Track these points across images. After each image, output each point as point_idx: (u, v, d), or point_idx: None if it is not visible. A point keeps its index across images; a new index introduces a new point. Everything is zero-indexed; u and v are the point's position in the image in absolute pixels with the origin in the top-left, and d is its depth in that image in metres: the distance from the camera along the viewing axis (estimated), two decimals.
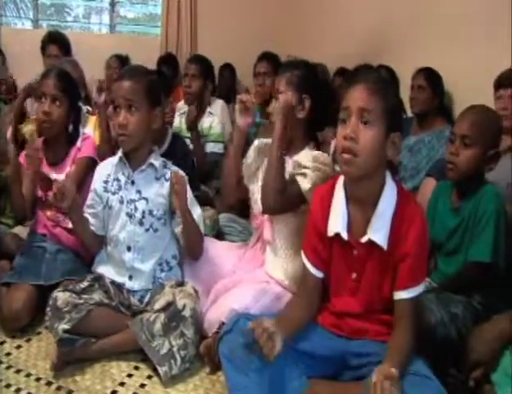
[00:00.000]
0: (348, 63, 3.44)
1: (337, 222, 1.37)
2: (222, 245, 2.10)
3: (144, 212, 1.77)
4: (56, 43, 3.36)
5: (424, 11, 3.11)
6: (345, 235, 1.36)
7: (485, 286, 1.62)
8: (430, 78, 2.83)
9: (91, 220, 1.81)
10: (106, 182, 1.81)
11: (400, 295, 1.35)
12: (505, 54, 2.29)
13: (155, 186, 1.79)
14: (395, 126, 1.31)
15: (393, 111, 1.30)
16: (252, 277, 1.83)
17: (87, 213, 1.82)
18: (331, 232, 1.39)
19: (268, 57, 3.16)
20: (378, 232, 1.33)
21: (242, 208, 2.29)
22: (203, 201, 2.52)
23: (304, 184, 1.64)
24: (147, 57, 3.72)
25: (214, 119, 3.06)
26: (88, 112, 2.19)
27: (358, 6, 3.86)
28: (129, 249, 1.78)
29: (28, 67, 3.26)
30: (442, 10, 2.93)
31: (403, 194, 1.37)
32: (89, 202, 1.83)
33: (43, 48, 3.40)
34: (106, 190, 1.81)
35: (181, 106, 3.18)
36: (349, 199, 1.38)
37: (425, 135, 2.81)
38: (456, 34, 2.80)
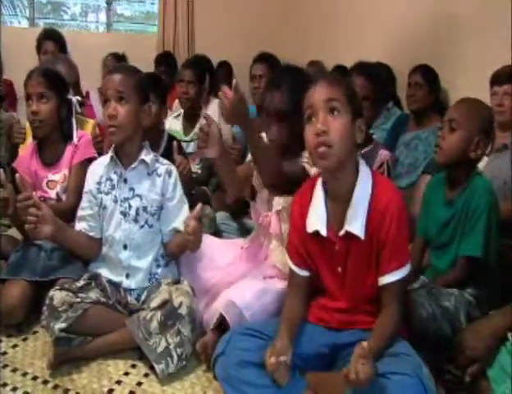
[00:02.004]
0: (346, 61, 3.44)
1: (316, 220, 1.40)
2: (219, 241, 2.10)
3: (138, 209, 1.77)
4: (51, 39, 3.35)
5: (420, 9, 3.11)
6: (323, 232, 1.39)
7: (477, 278, 1.62)
8: (426, 75, 2.84)
9: (88, 223, 1.80)
10: (99, 183, 1.80)
11: (384, 279, 1.37)
12: (501, 51, 2.29)
13: (147, 182, 1.79)
14: (360, 112, 1.37)
15: (355, 98, 1.37)
16: (255, 272, 1.82)
17: (82, 215, 1.81)
18: (310, 229, 1.41)
19: (264, 59, 3.12)
20: (354, 222, 1.35)
21: (240, 207, 2.29)
22: (201, 200, 2.53)
23: (312, 170, 1.63)
24: (144, 56, 3.73)
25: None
26: (79, 102, 2.14)
27: (358, 2, 3.85)
28: (125, 247, 1.78)
29: (24, 66, 3.23)
30: (438, 8, 2.94)
31: (378, 181, 1.39)
32: (84, 204, 1.82)
33: (39, 46, 3.39)
34: (99, 191, 1.80)
35: (176, 108, 3.17)
36: (328, 196, 1.42)
37: (421, 132, 2.82)
38: (453, 31, 2.80)
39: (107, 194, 1.79)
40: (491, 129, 1.68)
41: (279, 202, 1.76)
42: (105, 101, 1.73)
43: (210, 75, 3.29)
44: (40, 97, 1.93)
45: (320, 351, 1.43)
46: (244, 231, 2.33)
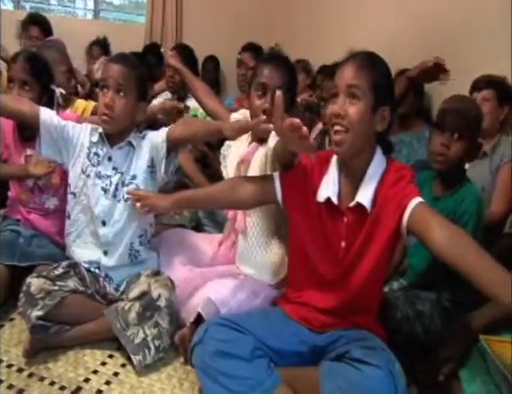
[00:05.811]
0: (335, 59, 3.45)
1: (328, 189, 1.40)
2: (200, 236, 2.11)
3: (117, 184, 1.76)
4: (36, 24, 3.30)
5: (408, 14, 3.15)
6: (335, 200, 1.38)
7: (454, 283, 1.64)
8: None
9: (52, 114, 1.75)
10: (89, 149, 1.79)
11: (408, 207, 1.27)
12: (484, 60, 2.35)
13: (129, 161, 1.78)
14: (384, 100, 1.34)
15: (381, 85, 1.33)
16: (231, 269, 1.84)
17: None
18: (321, 198, 1.40)
19: (254, 49, 3.21)
20: (364, 195, 1.35)
21: None
22: None
23: None
24: (131, 45, 3.68)
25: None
26: (63, 95, 2.11)
27: (346, 5, 3.87)
28: (103, 223, 1.76)
29: (8, 49, 3.19)
30: (426, 14, 2.97)
31: (393, 165, 1.39)
32: (62, 122, 1.76)
33: (24, 30, 3.33)
34: (88, 157, 1.78)
35: (165, 94, 3.21)
36: (341, 174, 1.42)
37: (405, 136, 2.85)
38: (439, 38, 2.84)
39: (93, 165, 1.77)
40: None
41: None
42: (102, 87, 1.71)
43: (195, 70, 3.30)
44: (23, 84, 1.89)
45: (298, 349, 1.43)
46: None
